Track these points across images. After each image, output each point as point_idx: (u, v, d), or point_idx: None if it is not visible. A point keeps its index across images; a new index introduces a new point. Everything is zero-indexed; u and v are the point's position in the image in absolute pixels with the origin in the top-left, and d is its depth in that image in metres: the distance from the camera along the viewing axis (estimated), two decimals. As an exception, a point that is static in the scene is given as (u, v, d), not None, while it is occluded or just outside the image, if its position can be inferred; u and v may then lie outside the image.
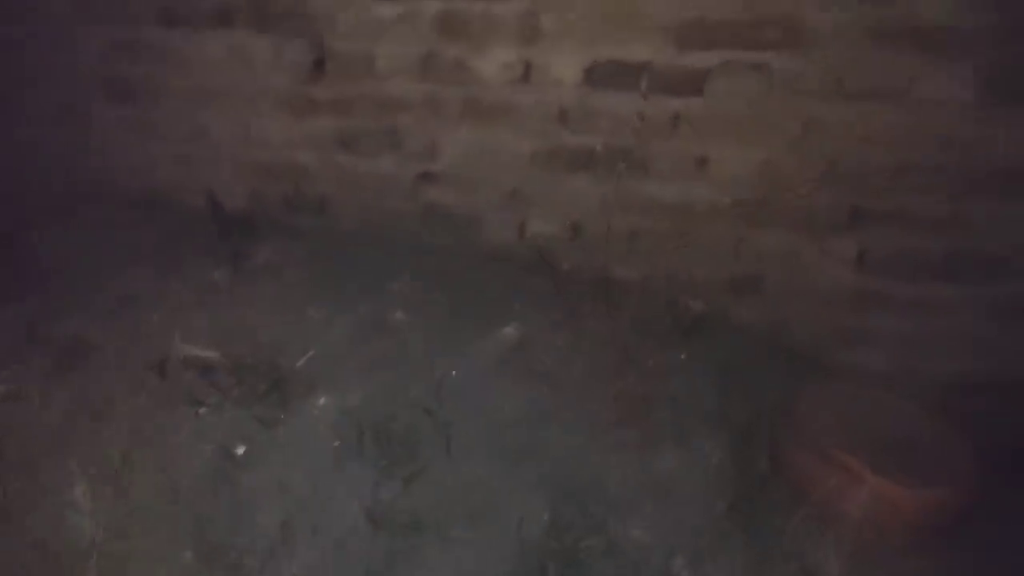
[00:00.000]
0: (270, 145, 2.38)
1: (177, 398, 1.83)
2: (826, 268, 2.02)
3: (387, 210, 2.31)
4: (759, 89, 1.93)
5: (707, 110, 1.97)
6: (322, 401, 1.83)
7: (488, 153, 2.18)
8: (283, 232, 2.36)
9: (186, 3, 2.29)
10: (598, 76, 2.02)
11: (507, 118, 2.13)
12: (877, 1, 1.80)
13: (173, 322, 2.03)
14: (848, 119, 1.90)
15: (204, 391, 1.83)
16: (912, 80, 1.84)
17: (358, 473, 1.68)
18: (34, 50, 2.52)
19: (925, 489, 1.65)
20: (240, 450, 1.72)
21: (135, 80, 2.45)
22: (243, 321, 2.05)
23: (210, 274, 2.20)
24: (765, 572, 1.58)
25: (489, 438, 1.75)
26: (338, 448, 1.72)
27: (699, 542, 1.60)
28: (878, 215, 1.95)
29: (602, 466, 1.71)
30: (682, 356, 1.91)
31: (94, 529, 1.58)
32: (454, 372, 1.87)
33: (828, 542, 1.61)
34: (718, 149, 2.00)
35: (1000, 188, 1.86)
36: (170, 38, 2.35)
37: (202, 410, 1.80)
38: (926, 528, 1.67)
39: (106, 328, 2.04)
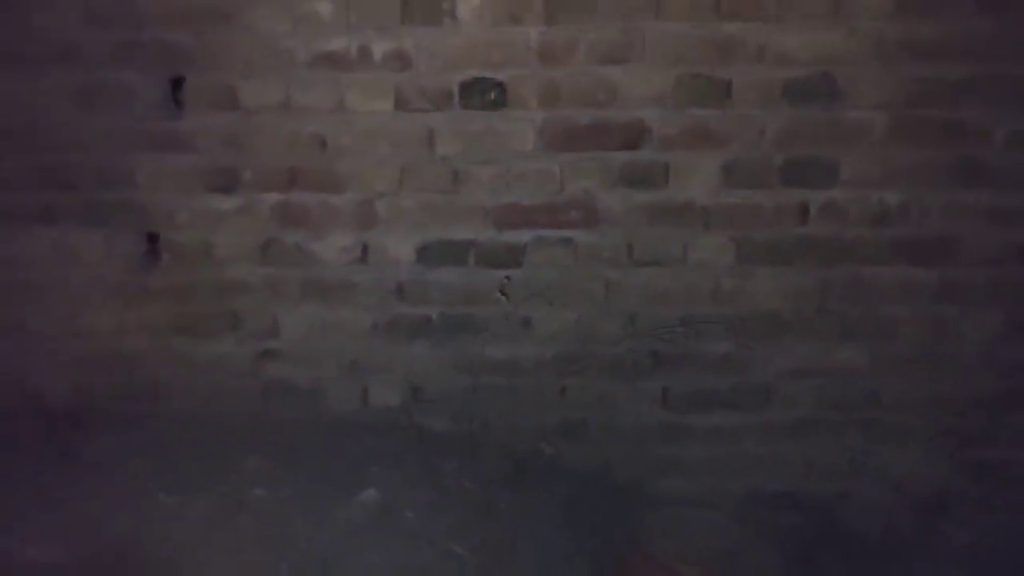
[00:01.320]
0: (98, 335, 2.33)
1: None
2: (638, 408, 2.32)
3: (228, 390, 2.33)
4: (567, 259, 2.24)
5: (526, 278, 2.25)
6: (191, 589, 1.78)
7: (329, 327, 2.30)
8: (116, 422, 2.28)
9: (13, 204, 2.26)
10: (430, 254, 2.25)
11: (346, 294, 2.28)
12: (652, 186, 2.20)
13: (8, 527, 1.89)
14: (640, 281, 2.25)
15: (57, 597, 1.72)
16: (686, 247, 2.24)
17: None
18: None
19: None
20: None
21: (-60, 278, 2.33)
22: (87, 517, 1.95)
23: (39, 472, 2.08)
24: None
25: (367, 602, 1.79)
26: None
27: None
28: (674, 358, 2.29)
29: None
30: (531, 500, 2.09)
31: None
32: (320, 542, 1.90)
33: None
34: (538, 310, 2.27)
35: (763, 329, 2.27)
36: (-13, 235, 2.28)
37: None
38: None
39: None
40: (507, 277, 2.25)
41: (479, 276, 2.26)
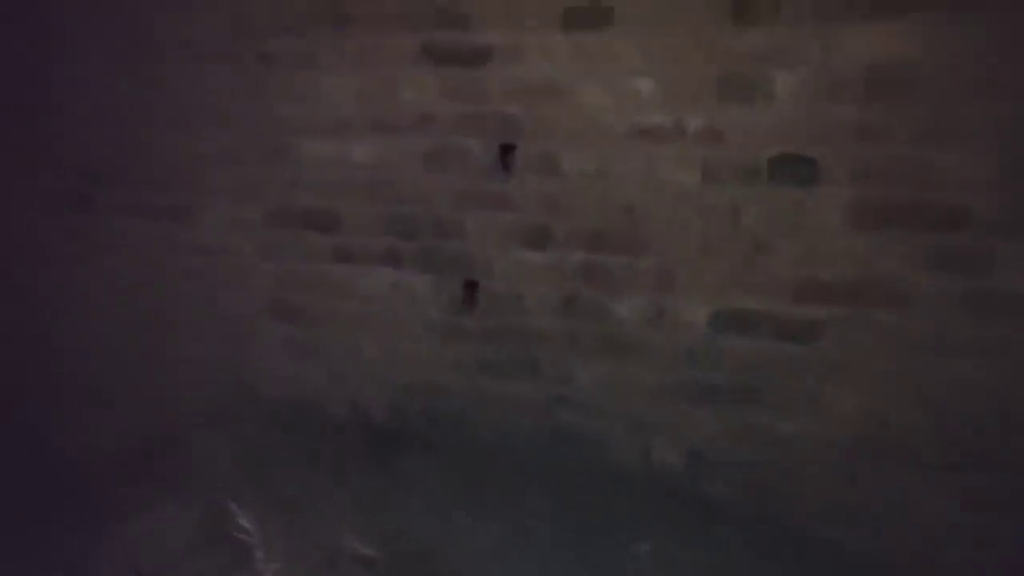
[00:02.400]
0: (417, 366, 2.63)
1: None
2: (936, 506, 2.16)
3: (521, 428, 2.52)
4: (868, 340, 2.17)
5: (822, 355, 2.21)
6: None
7: (619, 383, 2.41)
8: (425, 444, 2.55)
9: (359, 247, 2.64)
10: (725, 321, 2.29)
11: (639, 353, 2.38)
12: (972, 273, 2.07)
13: (335, 522, 2.18)
14: (949, 371, 2.11)
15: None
16: (1007, 341, 2.07)
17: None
18: (212, 276, 2.87)
19: None
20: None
21: (301, 304, 2.76)
22: (397, 523, 2.20)
23: (363, 479, 2.38)
24: None
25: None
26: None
27: None
28: (983, 456, 2.11)
29: None
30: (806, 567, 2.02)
31: None
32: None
33: None
34: (832, 389, 2.21)
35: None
36: (341, 271, 2.68)
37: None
38: None
39: (273, 526, 2.19)
40: (801, 351, 2.22)
41: (773, 348, 2.25)
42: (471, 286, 2.56)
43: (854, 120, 2.08)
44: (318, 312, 2.75)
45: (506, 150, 2.44)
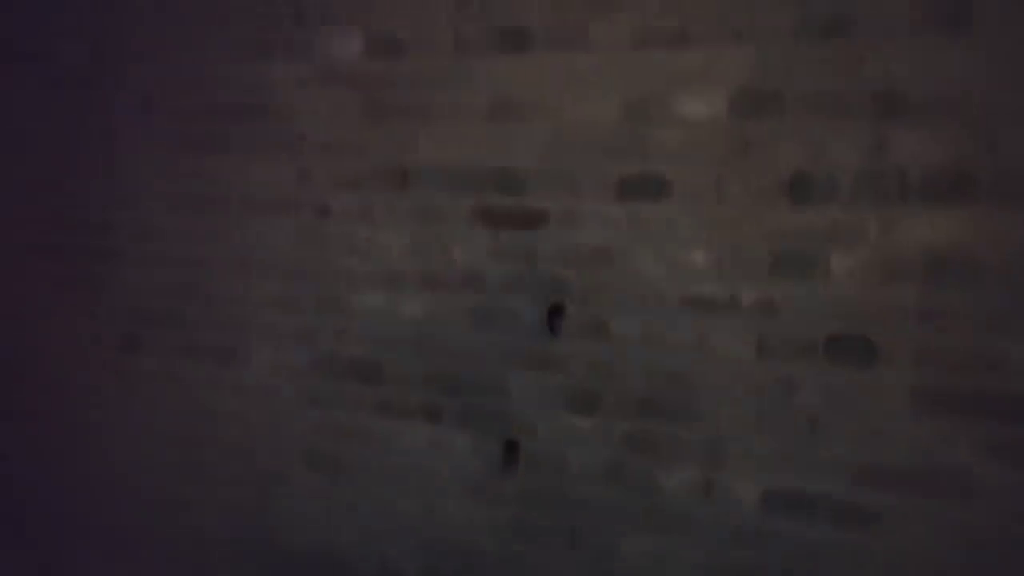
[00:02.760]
0: (449, 526, 2.53)
1: None
2: None
3: (558, 604, 2.38)
4: (933, 530, 2.04)
5: (884, 540, 2.08)
6: None
7: (663, 557, 2.28)
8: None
9: (400, 401, 2.61)
10: (776, 501, 2.18)
11: (684, 528, 2.26)
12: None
13: None
14: (1014, 571, 1.97)
15: None
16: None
17: None
18: (251, 420, 2.84)
19: None
20: None
21: (337, 454, 2.71)
22: None
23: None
24: None
25: None
26: None
27: None
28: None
29: None
30: None
31: None
32: None
33: None
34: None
35: None
36: (380, 424, 2.64)
37: None
38: None
39: None
40: (857, 539, 2.10)
41: (827, 534, 2.13)
42: (512, 447, 2.49)
43: (915, 303, 2.04)
44: (354, 464, 2.69)
45: (555, 312, 2.43)
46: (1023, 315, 1.97)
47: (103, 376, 3.06)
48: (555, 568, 2.40)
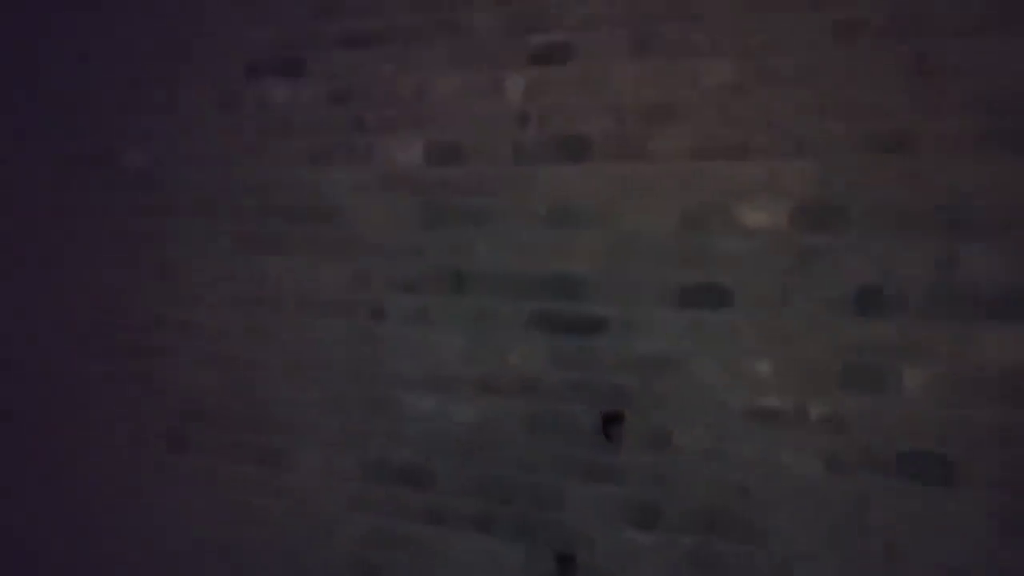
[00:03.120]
0: (503, 646, 2.42)
1: None
2: None
3: None
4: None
5: None
6: None
7: None
8: None
9: (451, 509, 2.54)
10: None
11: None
12: None
13: None
14: None
15: None
16: None
17: None
18: (295, 524, 2.77)
19: None
20: None
21: (383, 564, 2.62)
22: None
23: None
24: None
25: None
26: None
27: None
28: None
29: None
30: None
31: None
32: None
33: None
34: None
35: None
36: (430, 533, 2.56)
37: None
38: None
39: None
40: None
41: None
42: (567, 562, 2.40)
43: (994, 423, 1.98)
44: (402, 574, 2.59)
45: (613, 421, 2.38)
46: (1109, 436, 1.90)
47: (148, 475, 3.02)
48: None
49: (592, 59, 2.43)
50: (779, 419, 2.18)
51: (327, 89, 2.86)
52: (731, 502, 2.22)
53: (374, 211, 2.76)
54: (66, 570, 3.21)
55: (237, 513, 2.86)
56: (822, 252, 2.15)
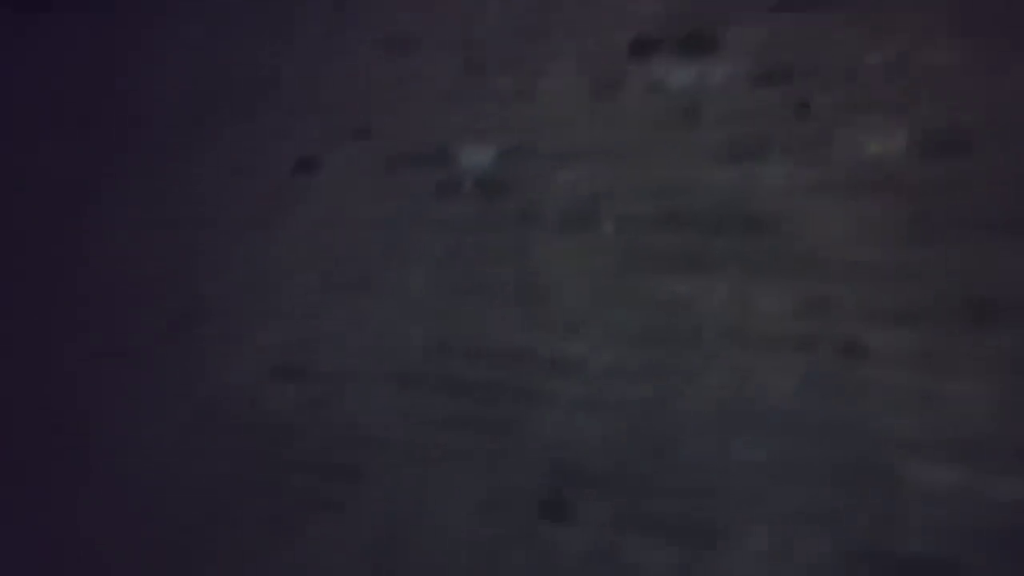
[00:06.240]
0: None
1: None
2: None
3: None
4: None
5: None
6: None
7: None
8: None
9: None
10: None
11: None
12: None
13: None
14: None
15: None
16: None
17: None
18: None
19: None
20: None
21: None
22: None
23: None
24: None
25: None
26: None
27: None
28: None
29: None
30: None
31: None
32: None
33: None
34: None
35: None
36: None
37: None
38: None
39: None
40: None
41: None
42: None
43: None
44: None
45: None
46: None
47: (514, 550, 2.40)
48: None
49: None
50: None
51: (750, 66, 2.24)
52: None
53: (832, 219, 2.12)
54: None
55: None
56: None
